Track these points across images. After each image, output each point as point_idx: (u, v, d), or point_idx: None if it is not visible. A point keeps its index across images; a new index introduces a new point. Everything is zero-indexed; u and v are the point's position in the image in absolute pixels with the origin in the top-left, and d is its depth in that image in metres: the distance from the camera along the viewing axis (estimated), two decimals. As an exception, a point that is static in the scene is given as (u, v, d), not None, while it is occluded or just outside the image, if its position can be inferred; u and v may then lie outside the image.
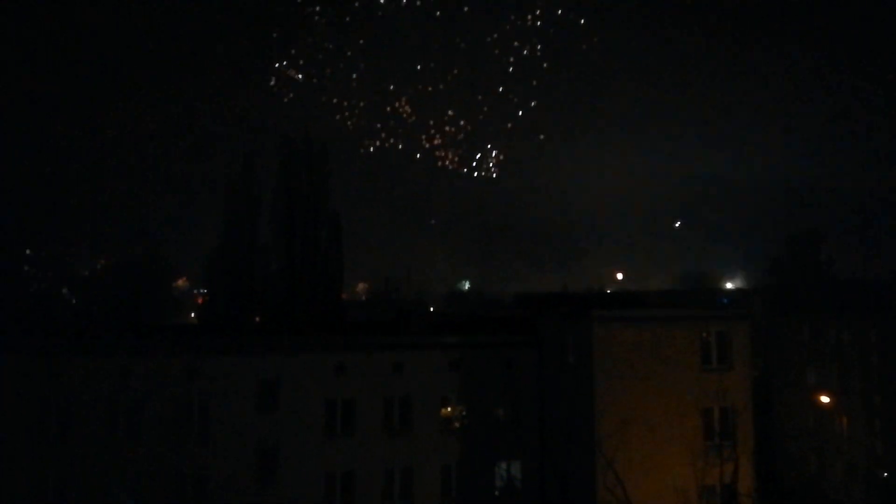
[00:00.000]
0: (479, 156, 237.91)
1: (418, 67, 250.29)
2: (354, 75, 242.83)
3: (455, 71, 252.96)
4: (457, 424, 29.55)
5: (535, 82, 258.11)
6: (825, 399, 41.27)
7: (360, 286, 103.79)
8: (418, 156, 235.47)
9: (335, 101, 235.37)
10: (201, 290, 76.22)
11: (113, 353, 26.32)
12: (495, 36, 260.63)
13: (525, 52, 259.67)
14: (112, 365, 26.04)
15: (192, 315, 78.90)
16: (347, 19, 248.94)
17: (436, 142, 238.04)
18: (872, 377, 40.36)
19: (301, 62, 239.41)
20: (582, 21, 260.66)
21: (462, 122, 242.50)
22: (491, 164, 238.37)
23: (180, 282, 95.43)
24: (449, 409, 29.65)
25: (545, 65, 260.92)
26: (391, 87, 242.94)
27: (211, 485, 26.13)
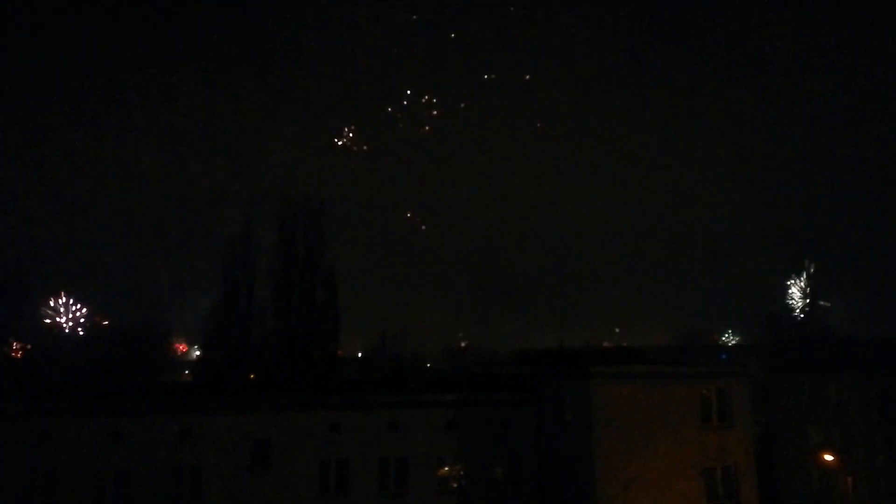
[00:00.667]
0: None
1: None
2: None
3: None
4: (454, 485, 28.85)
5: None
6: (829, 458, 40.54)
7: (355, 341, 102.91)
8: (408, 214, 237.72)
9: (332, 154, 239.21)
10: (196, 351, 75.55)
11: (102, 414, 25.80)
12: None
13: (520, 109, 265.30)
14: (101, 426, 25.49)
15: (187, 372, 77.97)
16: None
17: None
18: (875, 436, 39.76)
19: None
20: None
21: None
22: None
23: (180, 346, 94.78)
24: (446, 468, 28.99)
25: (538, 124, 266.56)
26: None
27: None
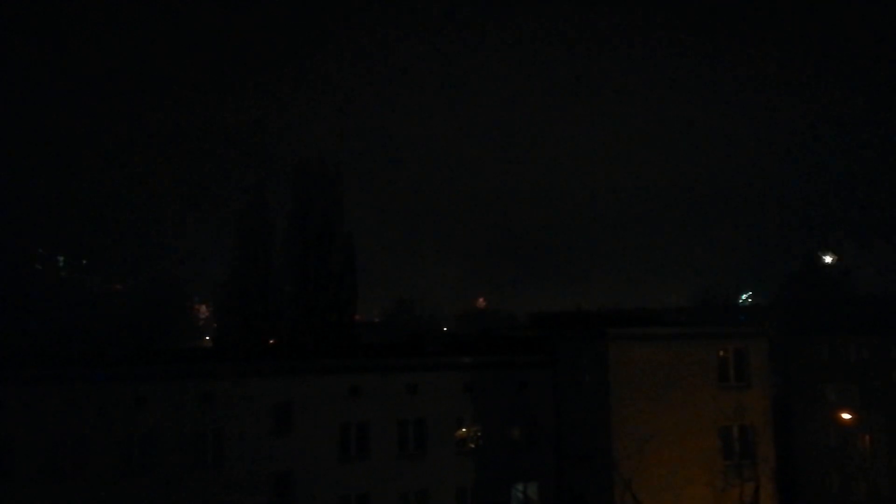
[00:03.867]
0: None
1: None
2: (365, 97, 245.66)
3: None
4: (472, 446, 29.36)
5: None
6: (847, 416, 40.58)
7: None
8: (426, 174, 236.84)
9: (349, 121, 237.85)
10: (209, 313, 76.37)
11: (127, 379, 26.36)
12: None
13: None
14: (126, 391, 26.07)
15: (207, 338, 79.23)
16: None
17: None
18: (893, 395, 39.65)
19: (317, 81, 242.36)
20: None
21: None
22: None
23: (202, 308, 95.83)
24: (464, 430, 29.47)
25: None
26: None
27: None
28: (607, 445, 26.66)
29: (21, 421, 24.67)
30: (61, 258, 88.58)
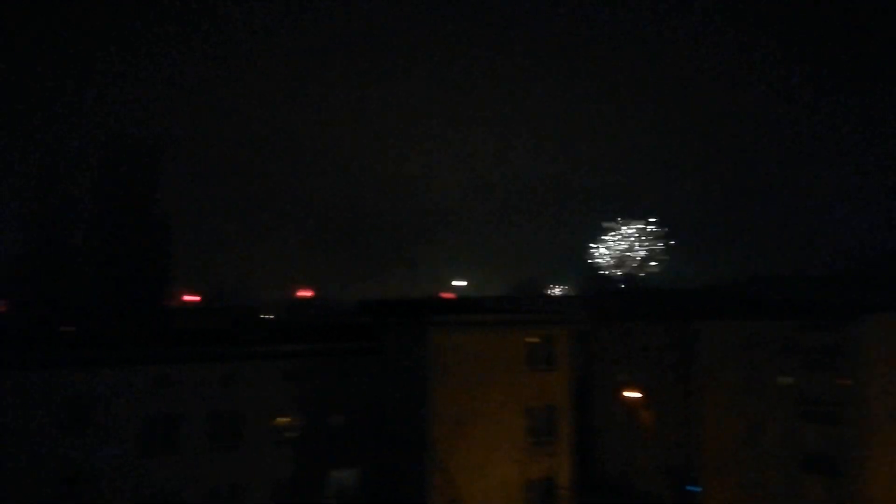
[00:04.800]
0: None
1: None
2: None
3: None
4: (291, 436, 28.87)
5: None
6: (632, 395, 45.71)
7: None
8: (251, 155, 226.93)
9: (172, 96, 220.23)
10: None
11: None
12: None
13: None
14: None
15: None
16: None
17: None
18: (672, 375, 45.46)
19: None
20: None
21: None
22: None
23: None
24: (283, 420, 28.88)
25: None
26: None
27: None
28: (425, 428, 27.63)
29: None
30: None
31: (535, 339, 30.68)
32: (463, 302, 50.41)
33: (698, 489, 43.43)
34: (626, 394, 46.56)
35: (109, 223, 47.12)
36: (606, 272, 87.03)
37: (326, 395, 29.45)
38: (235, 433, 27.42)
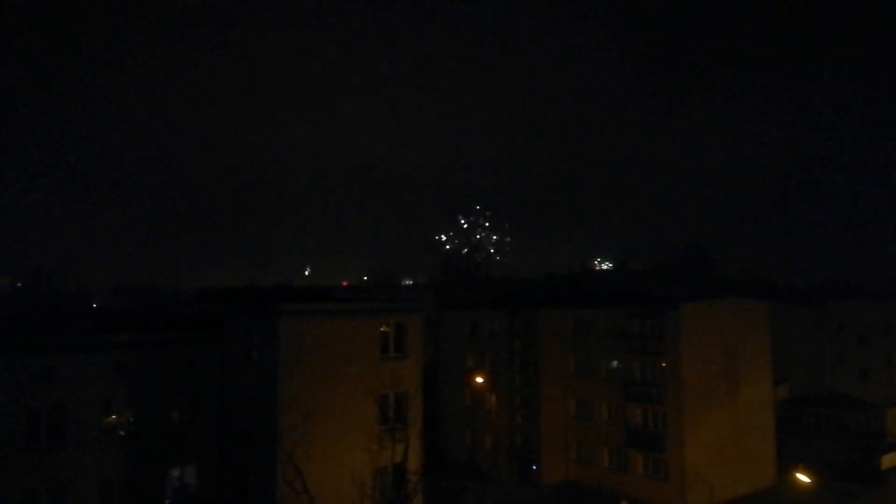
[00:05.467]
0: None
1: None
2: None
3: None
4: (122, 433, 26.61)
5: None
6: (479, 379, 47.59)
7: None
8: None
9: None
10: None
11: None
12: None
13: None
14: None
15: None
16: None
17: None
18: (515, 360, 47.91)
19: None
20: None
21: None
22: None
23: None
24: (113, 416, 26.54)
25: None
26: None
27: None
28: (272, 420, 26.77)
29: None
30: None
31: (387, 328, 30.81)
32: (315, 290, 49.30)
33: (535, 467, 46.33)
34: (473, 379, 48.32)
35: None
36: (455, 262, 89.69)
37: (163, 389, 27.49)
38: (57, 432, 24.72)
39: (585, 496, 43.61)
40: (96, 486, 25.47)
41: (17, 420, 23.95)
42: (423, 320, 33.37)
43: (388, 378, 29.83)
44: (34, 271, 79.86)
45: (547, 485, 45.45)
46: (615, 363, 45.24)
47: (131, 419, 26.84)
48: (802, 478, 33.18)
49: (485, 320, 50.39)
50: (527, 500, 42.85)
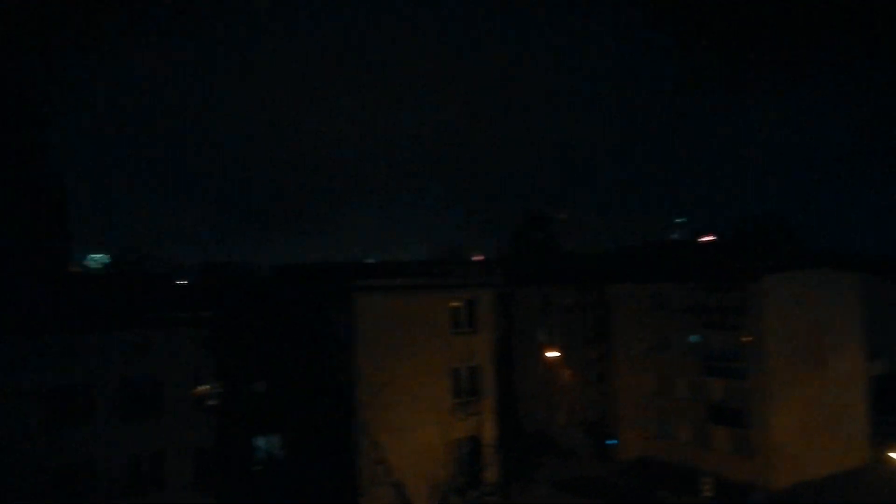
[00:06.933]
0: None
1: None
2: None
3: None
4: (213, 403, 28.11)
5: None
6: (552, 353, 47.35)
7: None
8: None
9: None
10: None
11: None
12: None
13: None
14: None
15: None
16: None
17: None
18: (589, 335, 47.31)
19: None
20: None
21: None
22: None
23: None
24: (204, 387, 28.05)
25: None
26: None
27: None
28: (351, 393, 27.57)
29: None
30: None
31: (458, 303, 31.04)
32: (386, 266, 50.18)
33: (615, 442, 45.85)
34: (546, 354, 48.11)
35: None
36: (526, 236, 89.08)
37: (247, 362, 28.75)
38: (153, 401, 26.42)
39: (664, 472, 42.91)
40: (190, 454, 27.09)
41: (117, 391, 25.69)
42: (494, 295, 33.37)
43: (459, 352, 30.15)
44: (127, 250, 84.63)
45: (624, 460, 44.99)
46: (693, 337, 43.95)
47: (220, 390, 28.28)
48: (898, 457, 31.41)
49: (557, 295, 49.93)
50: (604, 475, 42.59)
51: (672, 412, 44.74)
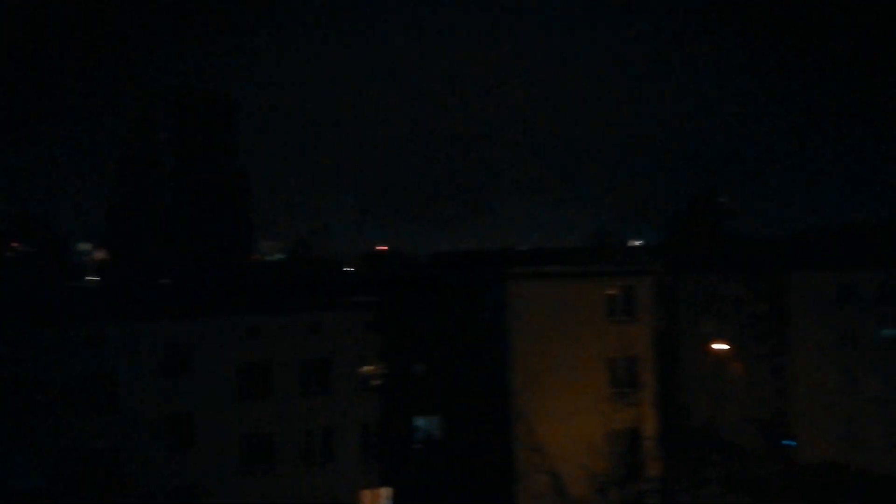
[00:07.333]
0: None
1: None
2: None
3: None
4: (376, 383, 29.76)
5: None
6: (719, 347, 44.34)
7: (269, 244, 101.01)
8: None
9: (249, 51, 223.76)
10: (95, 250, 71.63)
11: (9, 324, 24.56)
12: None
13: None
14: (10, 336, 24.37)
15: (91, 278, 74.51)
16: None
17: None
18: (760, 327, 43.68)
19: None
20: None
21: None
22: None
23: (86, 246, 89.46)
24: (367, 368, 29.76)
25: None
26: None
27: (123, 455, 25.30)
28: (505, 379, 27.78)
29: None
30: None
31: (615, 291, 30.03)
32: (539, 253, 49.78)
33: (794, 443, 42.11)
34: (712, 346, 45.20)
35: (190, 178, 49.16)
36: (690, 221, 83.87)
37: (406, 345, 30.05)
38: (324, 380, 28.55)
39: (853, 478, 38.68)
40: (357, 430, 28.95)
41: (292, 369, 28.06)
42: (654, 283, 31.89)
43: (616, 342, 29.21)
44: (298, 241, 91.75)
45: (804, 463, 41.15)
46: (888, 331, 39.01)
47: (383, 371, 29.87)
48: None
49: (725, 283, 46.59)
50: (782, 477, 39.28)
51: (862, 413, 40.13)
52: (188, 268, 47.48)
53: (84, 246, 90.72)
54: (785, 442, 42.27)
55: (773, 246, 59.61)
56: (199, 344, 26.66)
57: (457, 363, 30.81)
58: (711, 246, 66.98)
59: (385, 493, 29.59)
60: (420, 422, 30.40)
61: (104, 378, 25.35)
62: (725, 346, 44.22)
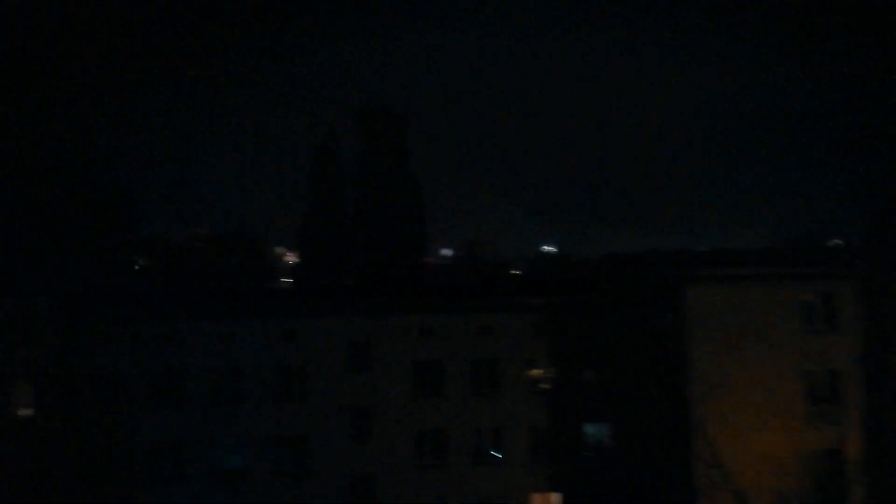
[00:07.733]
0: None
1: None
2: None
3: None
4: (545, 387, 29.65)
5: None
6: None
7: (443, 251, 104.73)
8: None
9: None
10: (287, 253, 78.80)
11: (218, 320, 27.93)
12: None
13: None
14: (219, 330, 27.72)
15: (284, 280, 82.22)
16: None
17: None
18: None
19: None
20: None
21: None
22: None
23: (280, 251, 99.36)
24: (535, 371, 29.75)
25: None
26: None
27: (311, 443, 27.66)
28: (682, 389, 26.31)
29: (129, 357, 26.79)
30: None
31: (811, 296, 27.20)
32: (720, 254, 46.37)
33: None
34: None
35: (370, 187, 53.30)
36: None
37: (576, 350, 29.57)
38: (493, 381, 29.01)
39: None
40: (525, 431, 29.05)
41: (462, 370, 28.85)
42: (858, 287, 28.39)
43: (812, 353, 26.51)
44: (468, 244, 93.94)
45: None
46: None
47: (551, 375, 29.66)
48: None
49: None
50: None
51: None
52: (368, 270, 50.86)
53: (279, 250, 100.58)
54: None
55: None
56: (377, 342, 28.36)
57: (630, 369, 29.71)
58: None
59: (555, 498, 29.34)
60: (590, 428, 29.75)
61: (296, 370, 27.88)
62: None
